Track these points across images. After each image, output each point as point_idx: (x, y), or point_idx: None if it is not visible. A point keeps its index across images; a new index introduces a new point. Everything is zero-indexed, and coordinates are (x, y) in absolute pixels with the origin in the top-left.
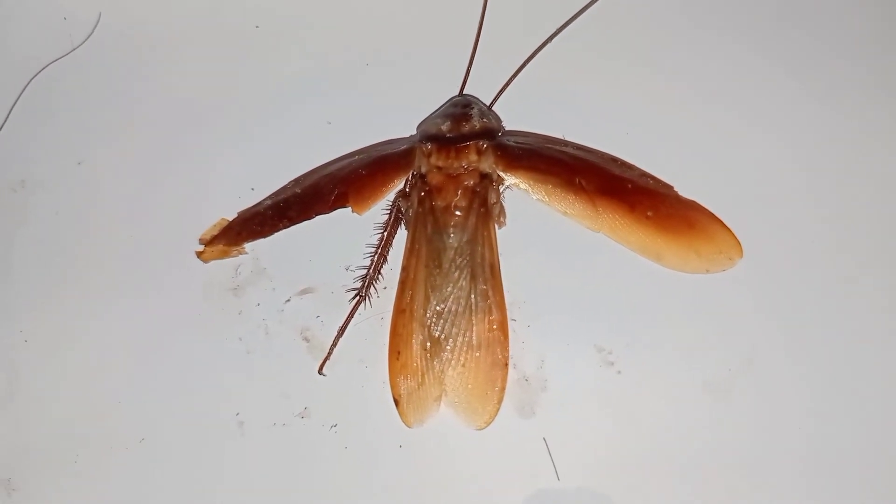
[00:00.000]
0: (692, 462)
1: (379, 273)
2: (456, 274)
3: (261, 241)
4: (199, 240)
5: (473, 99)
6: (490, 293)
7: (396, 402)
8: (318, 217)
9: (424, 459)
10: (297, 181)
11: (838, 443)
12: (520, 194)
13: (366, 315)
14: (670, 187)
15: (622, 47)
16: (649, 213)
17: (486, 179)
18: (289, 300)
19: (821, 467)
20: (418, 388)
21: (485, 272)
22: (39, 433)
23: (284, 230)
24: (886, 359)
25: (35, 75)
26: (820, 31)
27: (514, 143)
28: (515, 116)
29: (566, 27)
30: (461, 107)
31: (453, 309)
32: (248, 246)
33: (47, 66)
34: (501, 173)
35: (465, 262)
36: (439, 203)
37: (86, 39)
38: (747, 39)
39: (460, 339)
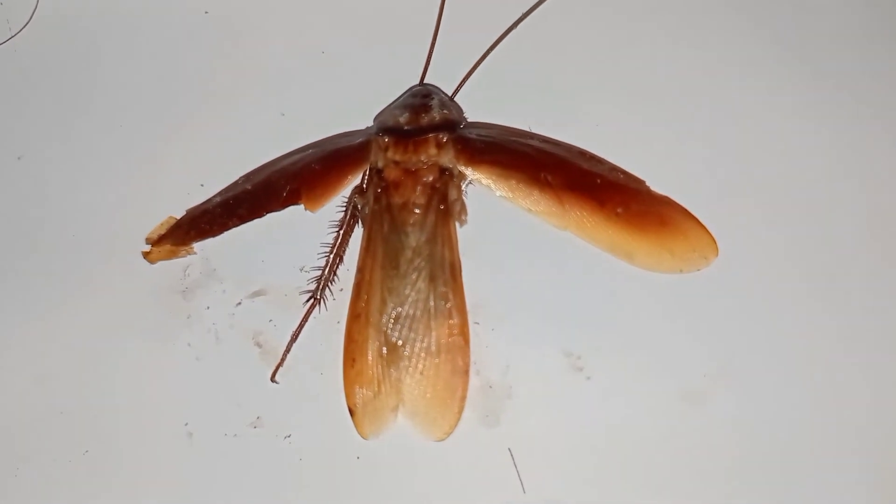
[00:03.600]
0: (666, 473)
1: (334, 274)
2: (414, 276)
3: (210, 240)
4: (146, 239)
5: (434, 88)
6: (450, 296)
7: (351, 413)
8: (269, 215)
9: (383, 472)
10: (247, 177)
11: (817, 450)
12: (482, 190)
13: (321, 319)
14: (642, 182)
15: (591, 35)
16: (619, 210)
17: (447, 175)
18: (240, 303)
19: (799, 475)
20: (374, 397)
21: (445, 273)
22: None
23: (235, 229)
24: (866, 361)
25: None
26: (796, 20)
27: (476, 136)
28: (478, 107)
29: (532, 12)
30: (420, 97)
31: (411, 313)
32: (197, 246)
33: None
34: (463, 168)
35: (423, 262)
36: (397, 200)
37: (24, 26)
38: (721, 28)
39: (418, 345)
